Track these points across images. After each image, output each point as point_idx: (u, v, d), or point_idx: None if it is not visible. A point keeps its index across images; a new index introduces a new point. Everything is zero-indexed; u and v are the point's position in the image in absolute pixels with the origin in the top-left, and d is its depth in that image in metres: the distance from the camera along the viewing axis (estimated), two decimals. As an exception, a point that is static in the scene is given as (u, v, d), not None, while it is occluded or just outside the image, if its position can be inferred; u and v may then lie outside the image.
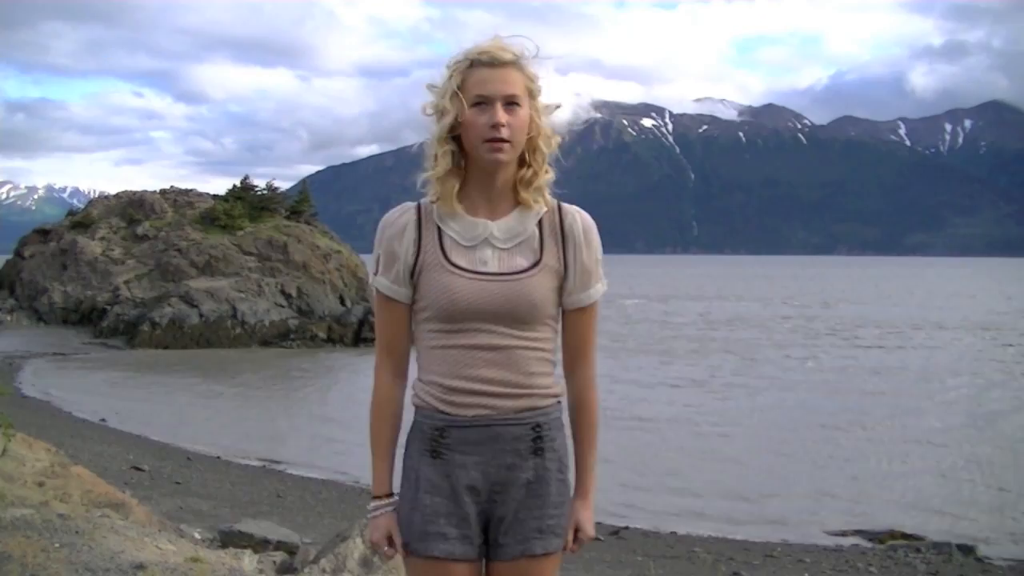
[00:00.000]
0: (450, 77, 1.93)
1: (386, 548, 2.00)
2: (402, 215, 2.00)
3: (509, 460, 1.96)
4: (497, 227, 1.98)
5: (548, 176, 2.00)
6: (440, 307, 1.94)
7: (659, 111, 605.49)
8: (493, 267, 1.95)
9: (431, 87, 1.98)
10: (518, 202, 2.00)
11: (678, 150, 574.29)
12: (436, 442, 1.96)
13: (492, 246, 1.97)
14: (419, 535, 1.96)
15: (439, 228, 1.97)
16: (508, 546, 1.98)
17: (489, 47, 1.92)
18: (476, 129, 1.90)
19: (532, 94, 1.96)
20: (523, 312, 1.94)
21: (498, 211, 1.99)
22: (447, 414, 1.95)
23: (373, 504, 2.03)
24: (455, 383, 1.94)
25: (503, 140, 1.90)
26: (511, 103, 1.91)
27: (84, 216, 42.98)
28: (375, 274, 2.01)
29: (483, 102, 1.89)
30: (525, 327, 1.96)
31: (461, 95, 1.91)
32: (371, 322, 33.63)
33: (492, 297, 1.93)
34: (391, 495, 2.03)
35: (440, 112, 1.94)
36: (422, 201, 2.01)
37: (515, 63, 1.93)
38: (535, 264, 1.97)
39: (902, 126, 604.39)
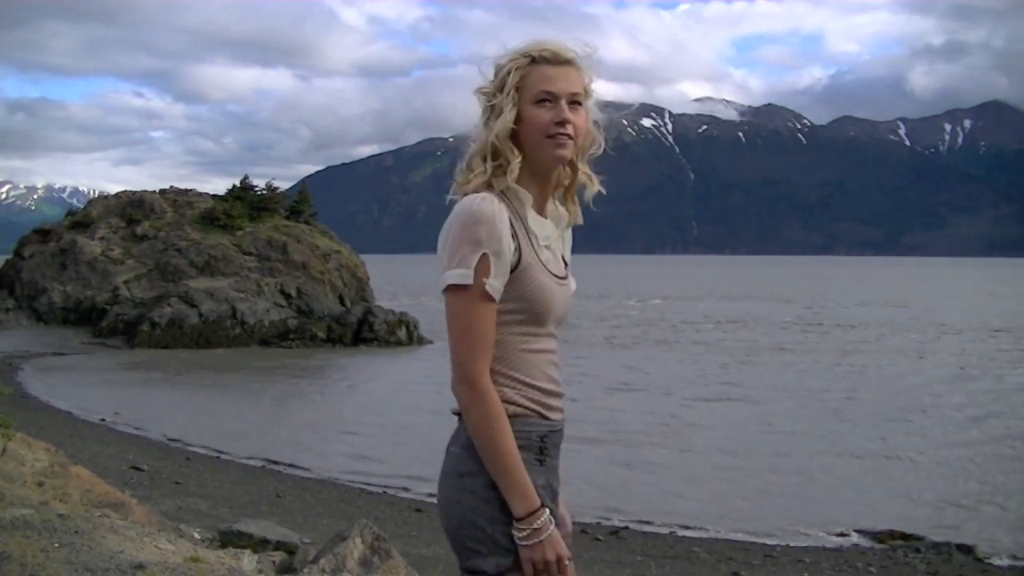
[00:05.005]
0: (509, 73, 1.86)
1: (567, 562, 1.82)
2: (497, 205, 1.82)
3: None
4: (551, 227, 1.95)
5: (591, 180, 1.98)
6: (536, 310, 1.87)
7: (659, 111, 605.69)
8: (556, 270, 1.94)
9: (480, 91, 1.90)
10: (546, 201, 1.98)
11: (678, 150, 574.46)
12: (542, 449, 1.89)
13: (550, 247, 1.94)
14: None
15: (524, 225, 1.88)
16: None
17: (552, 44, 1.88)
18: (539, 126, 1.85)
19: (588, 96, 1.92)
20: (567, 316, 1.98)
21: (543, 211, 1.95)
22: (548, 419, 1.90)
23: (543, 519, 1.80)
24: (550, 387, 1.91)
25: (568, 136, 1.85)
26: (574, 102, 1.87)
27: (83, 216, 42.97)
28: (488, 277, 1.79)
29: (548, 99, 1.85)
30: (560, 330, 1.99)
31: (522, 92, 1.86)
32: (371, 322, 33.65)
33: (565, 301, 1.94)
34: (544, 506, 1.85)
35: (497, 110, 1.86)
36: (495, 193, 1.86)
37: (575, 62, 1.89)
38: (567, 267, 2.01)
39: (902, 126, 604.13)
